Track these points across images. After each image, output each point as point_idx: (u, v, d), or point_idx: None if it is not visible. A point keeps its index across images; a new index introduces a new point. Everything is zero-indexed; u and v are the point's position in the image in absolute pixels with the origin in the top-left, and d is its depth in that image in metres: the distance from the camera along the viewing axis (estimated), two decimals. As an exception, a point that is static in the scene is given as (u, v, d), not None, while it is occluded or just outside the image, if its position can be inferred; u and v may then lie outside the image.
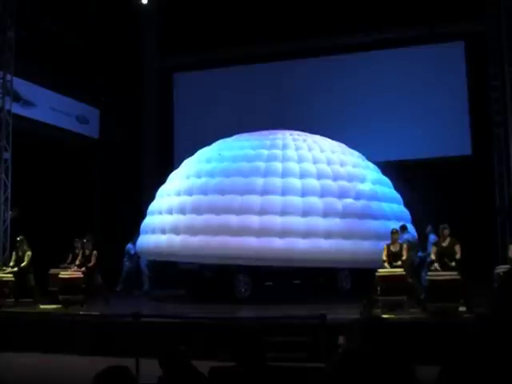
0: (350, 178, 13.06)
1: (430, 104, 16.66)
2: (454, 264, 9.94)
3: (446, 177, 15.93)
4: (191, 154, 14.56)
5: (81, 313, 11.00)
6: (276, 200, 12.21)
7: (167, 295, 14.24)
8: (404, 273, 10.29)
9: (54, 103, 16.09)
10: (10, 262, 12.20)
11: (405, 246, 10.78)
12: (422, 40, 16.89)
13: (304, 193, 12.38)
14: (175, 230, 12.65)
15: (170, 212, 13.15)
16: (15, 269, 11.80)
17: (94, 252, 12.28)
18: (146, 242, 13.57)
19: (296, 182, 12.53)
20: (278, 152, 13.20)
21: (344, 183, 12.86)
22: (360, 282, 12.12)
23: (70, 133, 16.65)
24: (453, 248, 10.10)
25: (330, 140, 14.36)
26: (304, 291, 12.89)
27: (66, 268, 12.18)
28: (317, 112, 17.06)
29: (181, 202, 12.99)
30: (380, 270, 10.33)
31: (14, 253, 12.18)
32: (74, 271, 11.94)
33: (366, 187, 13.13)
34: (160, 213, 13.54)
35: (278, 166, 12.81)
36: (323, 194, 12.48)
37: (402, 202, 13.94)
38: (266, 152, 13.22)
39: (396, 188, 14.17)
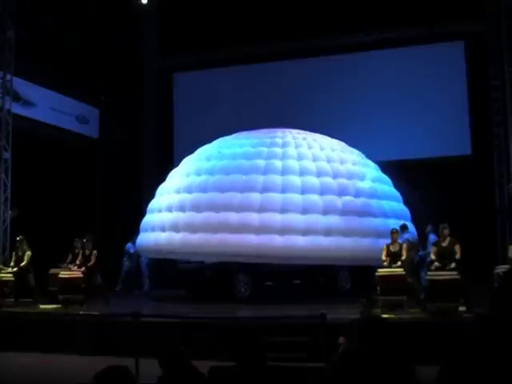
0: (350, 176, 13.07)
1: (430, 104, 16.67)
2: (453, 264, 9.94)
3: (445, 176, 15.93)
4: (191, 153, 14.56)
5: (81, 312, 11.00)
6: (276, 197, 12.22)
7: (167, 295, 14.24)
8: (404, 273, 10.30)
9: (54, 103, 16.10)
10: (10, 262, 12.20)
11: (404, 245, 10.78)
12: (422, 40, 16.89)
13: (304, 190, 12.39)
14: (175, 228, 12.66)
15: (169, 210, 13.16)
16: (15, 269, 11.79)
17: (94, 252, 12.28)
18: (146, 240, 13.57)
19: (296, 180, 12.54)
20: (278, 150, 13.21)
21: (344, 181, 12.86)
22: (360, 281, 12.13)
23: (70, 133, 16.66)
24: (453, 248, 10.10)
25: (329, 138, 14.37)
26: (304, 291, 12.89)
27: (66, 268, 12.18)
28: (316, 112, 17.06)
29: (180, 200, 12.99)
30: (380, 270, 10.33)
31: (13, 253, 12.18)
32: (75, 271, 11.94)
33: (365, 185, 13.14)
34: (160, 211, 13.55)
35: (278, 163, 12.82)
36: (323, 191, 12.49)
37: (401, 200, 13.95)
38: (265, 150, 13.23)
39: (396, 187, 14.17)
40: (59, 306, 11.41)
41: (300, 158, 13.04)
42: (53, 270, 12.25)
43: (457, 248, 10.08)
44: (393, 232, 10.84)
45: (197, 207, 12.54)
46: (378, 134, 16.62)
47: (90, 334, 9.65)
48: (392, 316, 9.31)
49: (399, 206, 13.76)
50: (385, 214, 12.87)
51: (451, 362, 2.55)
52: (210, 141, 14.59)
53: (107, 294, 12.34)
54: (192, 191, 12.97)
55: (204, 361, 4.30)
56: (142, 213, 14.39)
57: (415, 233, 12.59)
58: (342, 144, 14.35)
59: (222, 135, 14.63)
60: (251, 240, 11.76)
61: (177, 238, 12.51)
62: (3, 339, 9.60)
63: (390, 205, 13.30)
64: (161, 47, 19.47)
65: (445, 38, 16.75)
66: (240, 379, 3.41)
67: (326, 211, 12.22)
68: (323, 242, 11.86)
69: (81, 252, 12.30)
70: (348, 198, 12.58)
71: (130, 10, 17.26)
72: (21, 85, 14.51)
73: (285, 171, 12.67)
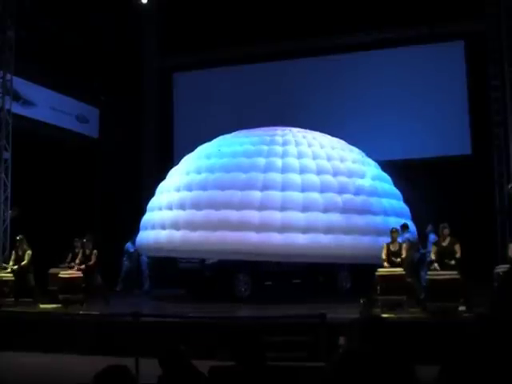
0: (350, 174, 13.09)
1: (430, 104, 16.67)
2: (453, 263, 9.94)
3: (445, 176, 15.93)
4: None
5: (81, 312, 11.00)
6: (276, 195, 12.23)
7: (167, 295, 14.24)
8: (404, 272, 10.30)
9: (54, 103, 16.10)
10: (9, 261, 12.18)
11: (404, 245, 10.79)
12: (422, 40, 16.88)
13: (304, 188, 12.40)
14: (175, 226, 12.67)
15: (169, 208, 13.17)
16: (15, 267, 11.78)
17: (95, 251, 12.29)
18: (146, 238, 13.58)
19: (296, 178, 12.55)
20: (278, 148, 13.22)
21: (344, 179, 12.88)
22: (360, 281, 12.13)
23: (70, 132, 16.65)
24: (453, 247, 10.11)
25: (329, 136, 14.39)
26: (304, 290, 12.90)
27: (66, 268, 12.17)
28: (316, 112, 17.05)
29: (181, 198, 13.00)
30: (380, 270, 10.34)
31: (13, 252, 12.17)
32: (74, 270, 11.94)
33: (365, 183, 13.15)
34: (160, 209, 13.56)
35: (278, 161, 12.83)
36: (323, 189, 12.50)
37: (401, 198, 13.97)
38: (265, 148, 13.24)
39: (396, 187, 14.18)
40: (59, 305, 11.41)
41: (300, 156, 13.05)
42: (53, 270, 12.25)
43: (457, 248, 10.09)
44: (392, 231, 10.85)
45: (197, 205, 12.54)
46: (378, 133, 16.62)
47: (89, 334, 9.65)
48: (392, 316, 9.32)
49: (399, 204, 13.77)
50: (385, 212, 12.89)
51: (451, 361, 2.55)
52: (210, 140, 14.59)
53: (107, 294, 12.34)
54: (192, 189, 12.98)
55: (204, 360, 4.30)
56: (142, 212, 14.40)
57: (415, 232, 12.59)
58: (342, 142, 14.36)
59: (222, 134, 14.63)
60: (251, 238, 11.77)
61: (177, 235, 12.52)
62: (3, 339, 9.60)
63: (390, 203, 13.32)
64: (161, 47, 19.47)
65: (445, 37, 16.74)
66: (240, 379, 3.41)
67: (326, 209, 12.24)
68: (323, 239, 11.87)
69: (81, 252, 12.31)
70: (348, 196, 12.59)
71: (130, 10, 17.25)
72: (21, 84, 14.51)
73: (285, 169, 12.68)
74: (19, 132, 13.53)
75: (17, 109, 14.18)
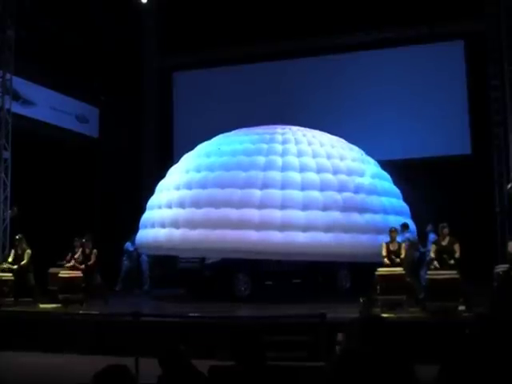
0: (350, 172, 13.09)
1: (430, 103, 16.67)
2: (453, 263, 9.94)
3: (445, 176, 15.94)
4: (191, 153, 14.58)
5: (80, 312, 11.00)
6: (276, 194, 12.23)
7: (167, 294, 14.23)
8: (403, 272, 10.30)
9: (54, 102, 16.09)
10: (8, 258, 12.13)
11: (403, 245, 10.79)
12: (422, 39, 16.89)
13: (304, 187, 12.40)
14: (175, 224, 12.66)
15: (169, 206, 13.16)
16: (14, 266, 11.76)
17: (94, 251, 12.29)
18: (145, 237, 13.57)
19: (296, 176, 12.55)
20: (278, 146, 13.21)
21: (343, 177, 12.88)
22: (359, 281, 12.13)
23: (70, 132, 16.65)
24: (452, 247, 10.11)
25: (329, 135, 14.38)
26: (304, 290, 12.90)
27: (65, 267, 12.17)
28: (316, 112, 17.03)
29: (180, 196, 13.00)
30: (379, 269, 10.34)
31: (12, 251, 12.16)
32: (74, 267, 11.95)
33: (365, 181, 13.15)
34: (159, 207, 13.55)
35: (278, 160, 12.83)
36: (323, 187, 12.50)
37: (401, 197, 13.97)
38: (265, 146, 13.24)
39: (395, 186, 14.17)
40: (59, 305, 11.41)
41: (300, 154, 13.05)
42: (52, 270, 12.26)
43: (456, 247, 10.09)
44: (392, 231, 10.85)
45: (196, 203, 12.54)
46: (378, 133, 16.62)
47: (89, 334, 9.65)
48: (392, 315, 9.31)
49: (399, 202, 13.78)
50: (385, 211, 12.90)
51: (451, 361, 2.55)
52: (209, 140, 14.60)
53: (107, 294, 12.34)
54: (192, 187, 12.98)
55: (204, 360, 4.30)
56: (142, 212, 14.39)
57: (415, 231, 12.59)
58: (342, 141, 14.36)
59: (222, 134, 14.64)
60: (251, 236, 11.77)
61: (177, 234, 12.51)
62: (3, 338, 9.61)
63: (389, 201, 13.33)
64: (161, 47, 19.47)
65: (445, 37, 16.74)
66: (240, 378, 3.41)
67: (325, 207, 12.24)
68: (323, 238, 11.87)
69: (80, 251, 12.31)
70: (348, 195, 12.59)
71: (130, 10, 17.25)
72: (21, 84, 14.51)
73: (285, 167, 12.68)
74: (19, 132, 13.54)
75: (16, 108, 14.18)
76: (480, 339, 2.61)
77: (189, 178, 13.28)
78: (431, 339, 8.07)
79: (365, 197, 12.77)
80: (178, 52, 18.77)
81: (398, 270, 10.31)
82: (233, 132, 14.51)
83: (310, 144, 13.50)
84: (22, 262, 11.80)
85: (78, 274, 11.82)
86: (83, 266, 12.05)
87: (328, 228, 11.98)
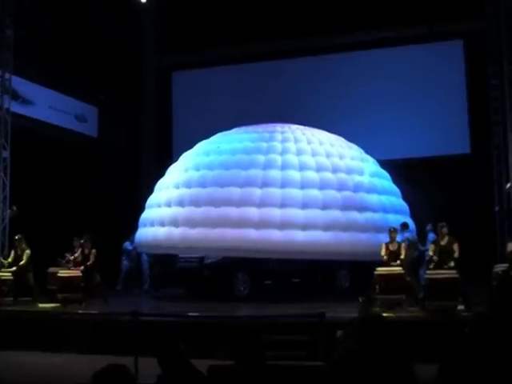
0: (349, 171, 13.09)
1: (430, 103, 16.67)
2: (452, 262, 9.95)
3: (444, 175, 15.94)
4: (190, 152, 14.57)
5: (79, 311, 11.00)
6: (275, 192, 12.23)
7: (166, 294, 14.23)
8: (403, 271, 10.30)
9: (53, 102, 16.08)
10: (7, 258, 12.12)
11: (403, 245, 10.79)
12: (421, 39, 16.88)
13: (303, 185, 12.40)
14: (174, 223, 12.65)
15: (168, 205, 13.15)
16: (13, 268, 11.76)
17: (93, 251, 12.28)
18: (145, 235, 13.56)
19: (295, 175, 12.55)
20: (277, 145, 13.21)
21: (343, 176, 12.88)
22: (359, 280, 12.13)
23: (69, 131, 16.64)
24: (451, 246, 10.11)
25: (328, 133, 14.38)
26: (303, 290, 12.90)
27: (64, 263, 12.18)
28: (316, 111, 17.02)
29: (180, 195, 12.99)
30: (379, 269, 10.34)
31: (12, 251, 12.16)
32: (73, 269, 11.95)
33: (364, 180, 13.16)
34: (159, 206, 13.54)
35: (278, 158, 12.83)
36: (322, 186, 12.50)
37: (400, 195, 13.98)
38: (265, 145, 13.24)
39: (395, 185, 14.18)
40: (58, 304, 11.41)
41: (299, 152, 13.05)
42: (52, 269, 12.26)
43: (455, 247, 10.09)
44: (391, 231, 10.84)
45: (196, 202, 12.54)
46: (378, 132, 16.62)
47: (88, 333, 9.65)
48: (391, 315, 9.31)
49: (398, 201, 13.79)
50: (384, 209, 12.90)
51: (450, 360, 2.55)
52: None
53: (106, 293, 12.33)
54: (191, 186, 12.98)
55: (203, 360, 4.30)
56: (141, 212, 14.37)
57: (414, 230, 12.59)
58: (341, 139, 14.36)
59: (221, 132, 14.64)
60: (251, 235, 11.77)
61: (176, 232, 12.51)
62: (2, 338, 9.60)
63: (389, 200, 13.33)
64: (159, 46, 19.46)
65: (444, 37, 16.74)
66: (239, 378, 3.41)
67: (325, 206, 12.24)
68: (323, 236, 11.88)
69: (79, 251, 12.30)
70: (347, 193, 12.60)
71: (129, 9, 17.24)
72: (20, 83, 14.50)
73: (284, 166, 12.68)
74: (18, 131, 13.52)
75: (16, 108, 14.16)
76: (479, 338, 2.61)
77: (188, 177, 13.27)
78: (430, 338, 8.07)
79: (364, 195, 12.78)
80: (176, 51, 18.76)
81: (397, 269, 10.31)
82: (232, 131, 14.50)
83: (309, 143, 13.50)
84: (21, 262, 11.79)
85: (77, 273, 11.82)
86: (82, 267, 12.03)
87: (327, 226, 11.98)
